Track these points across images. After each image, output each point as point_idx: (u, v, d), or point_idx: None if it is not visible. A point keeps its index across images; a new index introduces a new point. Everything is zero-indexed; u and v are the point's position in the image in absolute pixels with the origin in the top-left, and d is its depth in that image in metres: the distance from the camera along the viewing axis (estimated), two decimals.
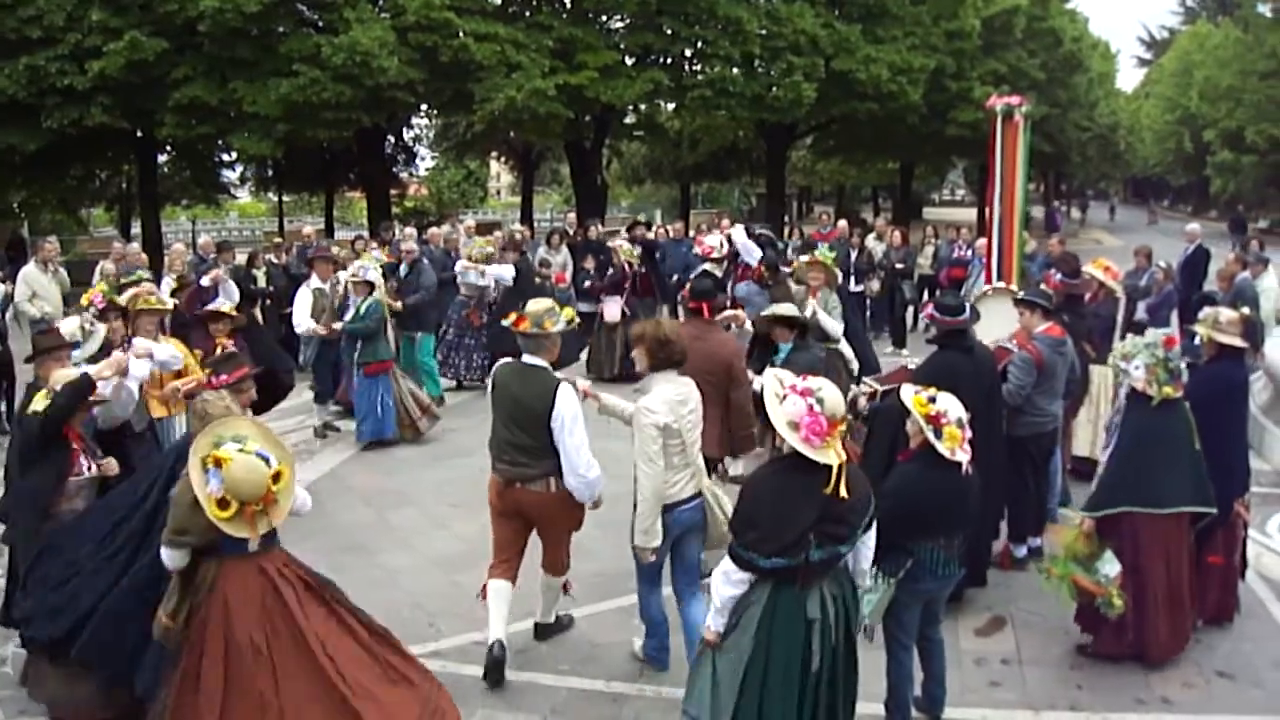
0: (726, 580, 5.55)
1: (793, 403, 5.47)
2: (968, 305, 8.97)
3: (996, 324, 9.76)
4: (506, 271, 16.44)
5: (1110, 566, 7.43)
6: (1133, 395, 7.66)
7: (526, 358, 7.45)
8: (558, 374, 7.44)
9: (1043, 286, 10.95)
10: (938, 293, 19.42)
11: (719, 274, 13.66)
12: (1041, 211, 62.29)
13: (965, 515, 6.51)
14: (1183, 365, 7.69)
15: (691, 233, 23.12)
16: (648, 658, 7.66)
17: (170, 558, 5.98)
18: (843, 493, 5.35)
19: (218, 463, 5.71)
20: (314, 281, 14.50)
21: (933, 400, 6.21)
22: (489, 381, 7.74)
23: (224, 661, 5.79)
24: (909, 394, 6.33)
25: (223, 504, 5.67)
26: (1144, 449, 7.54)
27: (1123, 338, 9.96)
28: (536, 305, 7.53)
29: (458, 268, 16.71)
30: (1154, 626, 7.56)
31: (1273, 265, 17.01)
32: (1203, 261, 19.39)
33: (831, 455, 5.39)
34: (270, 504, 5.82)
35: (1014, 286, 13.48)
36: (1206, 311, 8.57)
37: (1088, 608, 7.71)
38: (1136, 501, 7.49)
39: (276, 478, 5.83)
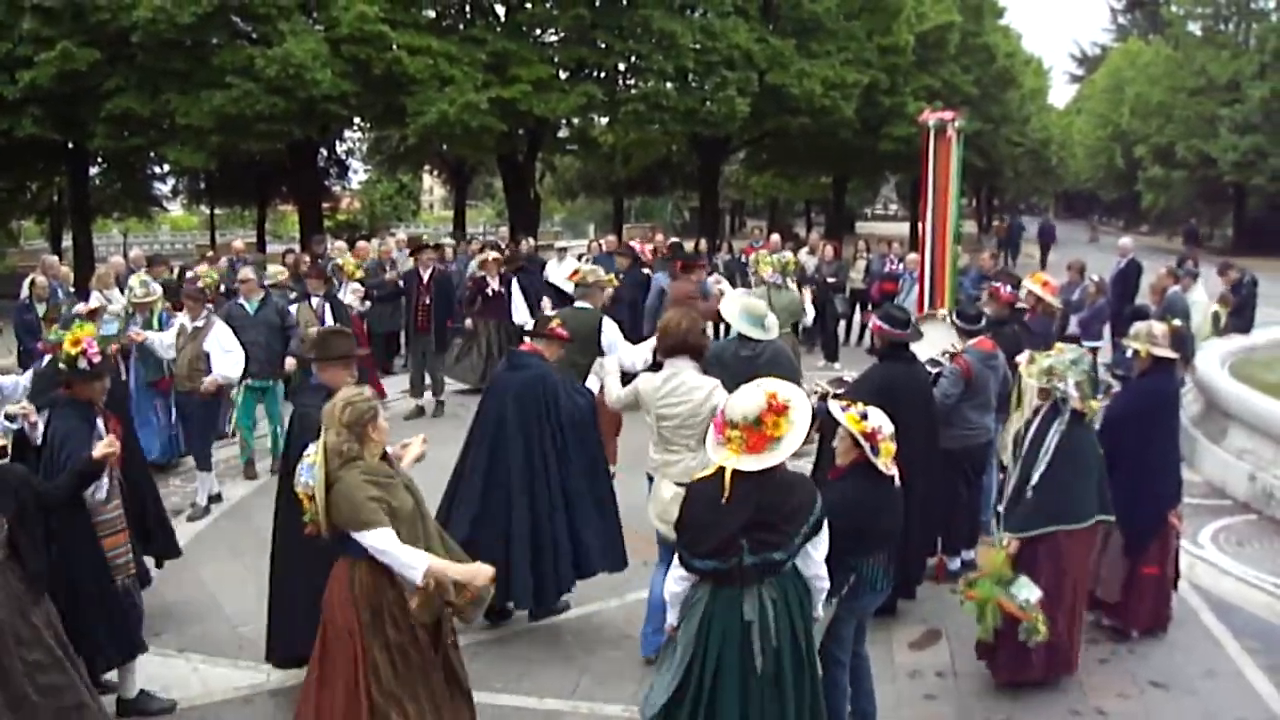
0: (673, 577, 5.63)
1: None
2: (912, 318, 9.01)
3: (925, 347, 9.79)
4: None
5: (1029, 591, 7.19)
6: (1073, 415, 7.51)
7: (578, 303, 10.76)
8: None
9: (987, 297, 11.00)
10: (869, 307, 19.59)
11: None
12: (974, 226, 62.76)
13: (898, 529, 6.53)
14: (1103, 374, 7.67)
15: (665, 249, 23.00)
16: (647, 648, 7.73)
17: None
18: (724, 495, 5.32)
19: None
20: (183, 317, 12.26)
21: (865, 417, 6.18)
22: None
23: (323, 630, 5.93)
24: (840, 411, 6.29)
25: None
26: (1066, 466, 7.44)
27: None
28: (588, 268, 11.72)
29: None
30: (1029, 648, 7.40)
31: (1202, 279, 17.23)
32: (1134, 275, 19.53)
33: (726, 455, 5.38)
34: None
35: (944, 310, 13.44)
36: (1138, 326, 8.59)
37: (1005, 637, 7.48)
38: (1062, 520, 7.37)
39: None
